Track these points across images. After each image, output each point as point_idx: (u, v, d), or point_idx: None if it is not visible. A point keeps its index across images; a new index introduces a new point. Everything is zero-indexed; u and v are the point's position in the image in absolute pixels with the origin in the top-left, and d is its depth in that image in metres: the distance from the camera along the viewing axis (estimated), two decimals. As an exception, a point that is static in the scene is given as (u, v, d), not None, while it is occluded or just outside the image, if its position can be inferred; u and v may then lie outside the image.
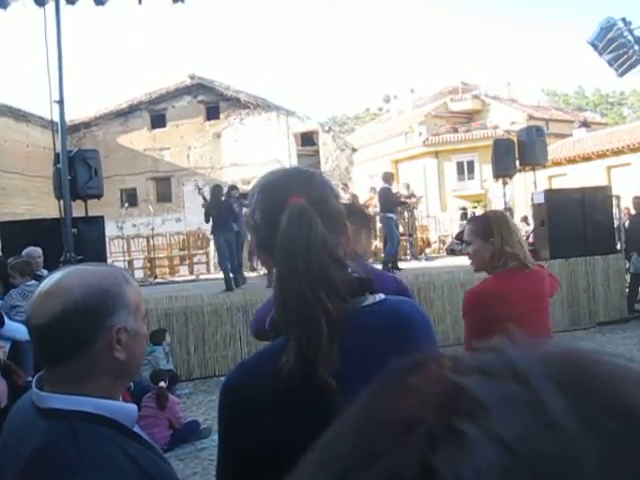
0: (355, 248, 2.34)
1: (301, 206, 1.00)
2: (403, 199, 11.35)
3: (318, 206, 1.01)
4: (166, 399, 5.10)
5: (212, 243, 12.46)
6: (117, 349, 1.06)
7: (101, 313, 1.05)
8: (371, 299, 1.03)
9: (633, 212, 9.73)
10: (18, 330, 4.76)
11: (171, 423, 5.05)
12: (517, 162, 9.44)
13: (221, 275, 9.09)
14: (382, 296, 1.06)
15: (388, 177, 10.03)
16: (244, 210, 10.65)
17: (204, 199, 9.57)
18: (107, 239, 9.68)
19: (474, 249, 2.53)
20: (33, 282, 5.08)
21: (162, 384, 5.20)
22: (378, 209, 10.62)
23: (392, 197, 9.78)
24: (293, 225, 0.98)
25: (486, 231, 2.47)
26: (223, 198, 9.26)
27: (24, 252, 5.77)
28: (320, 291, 0.95)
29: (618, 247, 9.28)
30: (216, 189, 9.54)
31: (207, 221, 9.96)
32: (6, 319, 4.73)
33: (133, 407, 1.13)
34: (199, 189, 10.31)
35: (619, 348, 7.07)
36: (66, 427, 0.98)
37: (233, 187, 10.22)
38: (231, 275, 8.65)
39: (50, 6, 6.44)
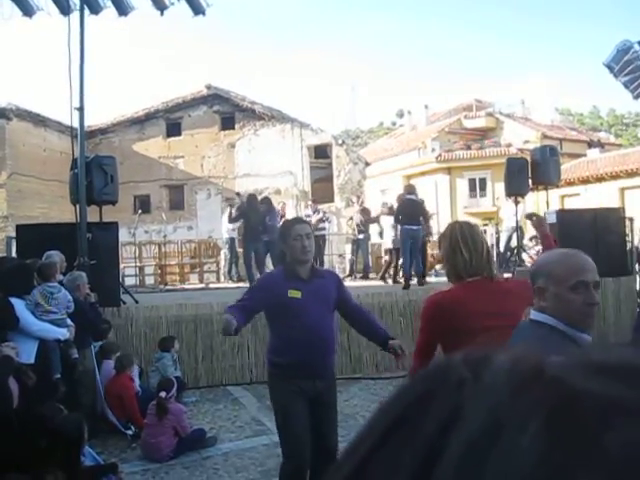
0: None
1: None
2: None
3: None
4: (164, 410, 4.99)
5: (223, 252, 12.55)
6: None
7: None
8: None
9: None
10: (46, 329, 4.88)
11: (176, 431, 5.05)
12: (530, 181, 9.44)
13: (230, 285, 9.14)
14: None
15: (412, 188, 9.77)
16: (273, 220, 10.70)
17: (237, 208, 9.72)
18: (119, 244, 9.78)
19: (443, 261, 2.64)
20: (55, 283, 5.16)
21: (162, 394, 5.10)
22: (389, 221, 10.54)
23: (417, 208, 9.48)
24: None
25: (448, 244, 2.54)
26: (261, 209, 9.37)
27: (47, 255, 5.78)
28: None
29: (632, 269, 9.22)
30: (252, 198, 9.60)
31: (231, 221, 10.05)
32: (34, 319, 4.85)
33: None
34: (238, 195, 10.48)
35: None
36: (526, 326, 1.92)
37: (265, 199, 10.32)
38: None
39: (74, 15, 6.58)
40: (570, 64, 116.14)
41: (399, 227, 9.39)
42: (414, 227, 9.19)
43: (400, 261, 9.89)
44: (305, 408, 3.26)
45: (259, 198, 10.91)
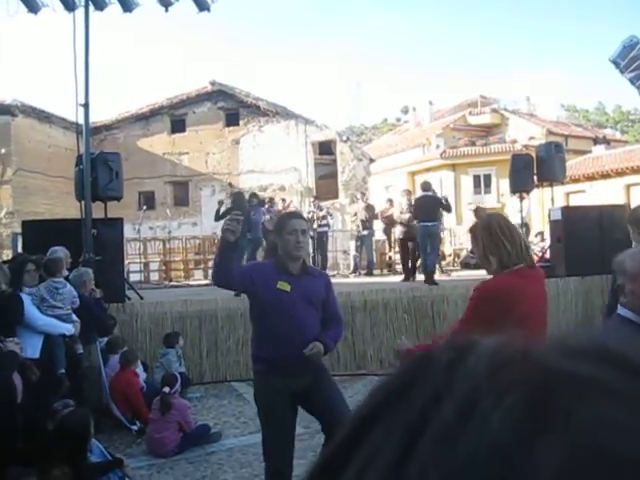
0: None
1: None
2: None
3: None
4: (167, 406, 5.01)
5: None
6: None
7: None
8: None
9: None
10: (52, 324, 4.90)
11: (181, 426, 5.07)
12: (535, 178, 9.41)
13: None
14: None
15: (428, 185, 9.81)
16: (266, 217, 10.80)
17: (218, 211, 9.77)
18: (124, 241, 9.81)
19: (478, 254, 2.74)
20: (61, 279, 5.17)
21: (166, 389, 5.12)
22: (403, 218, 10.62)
23: (433, 205, 9.45)
24: None
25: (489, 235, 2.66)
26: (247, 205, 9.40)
27: (52, 250, 5.78)
28: None
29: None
30: (237, 196, 9.63)
31: (217, 219, 10.17)
32: (40, 314, 4.87)
33: None
34: (220, 203, 10.55)
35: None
36: (612, 320, 2.08)
37: (254, 195, 10.31)
38: None
39: (79, 11, 6.58)
40: (576, 60, 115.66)
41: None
42: (429, 224, 9.25)
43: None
44: (289, 407, 3.21)
45: (249, 194, 10.96)
